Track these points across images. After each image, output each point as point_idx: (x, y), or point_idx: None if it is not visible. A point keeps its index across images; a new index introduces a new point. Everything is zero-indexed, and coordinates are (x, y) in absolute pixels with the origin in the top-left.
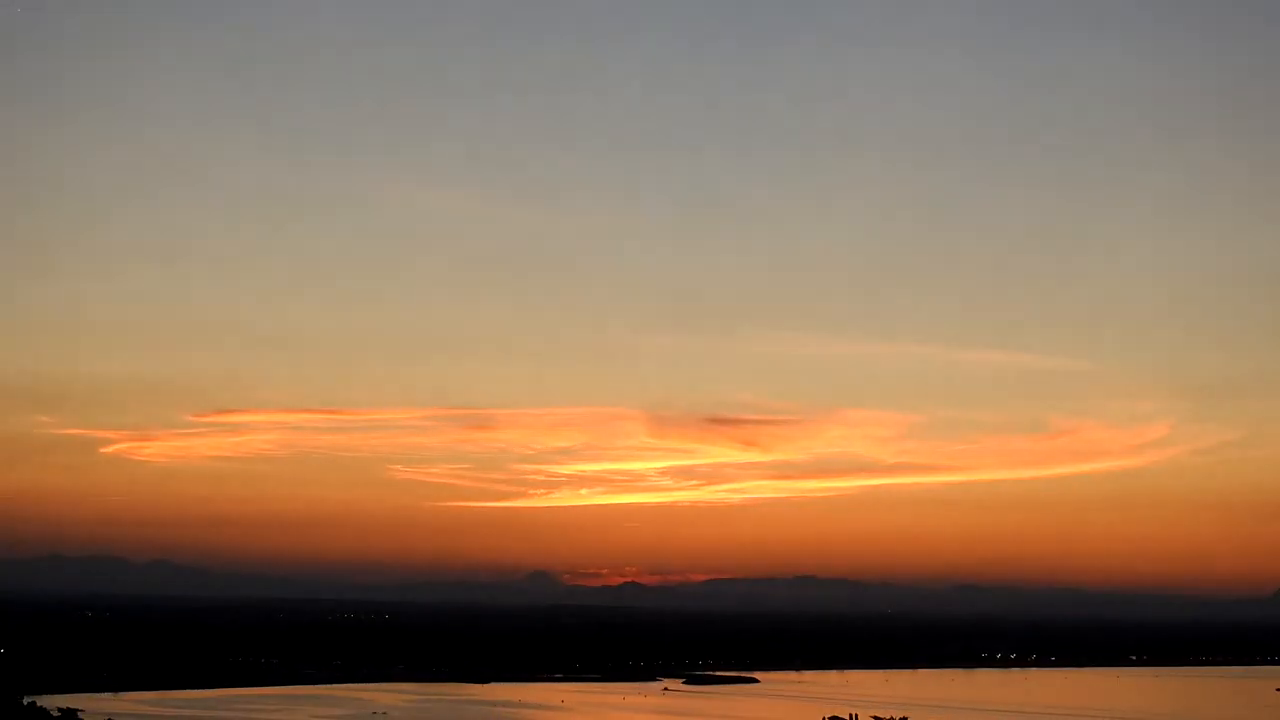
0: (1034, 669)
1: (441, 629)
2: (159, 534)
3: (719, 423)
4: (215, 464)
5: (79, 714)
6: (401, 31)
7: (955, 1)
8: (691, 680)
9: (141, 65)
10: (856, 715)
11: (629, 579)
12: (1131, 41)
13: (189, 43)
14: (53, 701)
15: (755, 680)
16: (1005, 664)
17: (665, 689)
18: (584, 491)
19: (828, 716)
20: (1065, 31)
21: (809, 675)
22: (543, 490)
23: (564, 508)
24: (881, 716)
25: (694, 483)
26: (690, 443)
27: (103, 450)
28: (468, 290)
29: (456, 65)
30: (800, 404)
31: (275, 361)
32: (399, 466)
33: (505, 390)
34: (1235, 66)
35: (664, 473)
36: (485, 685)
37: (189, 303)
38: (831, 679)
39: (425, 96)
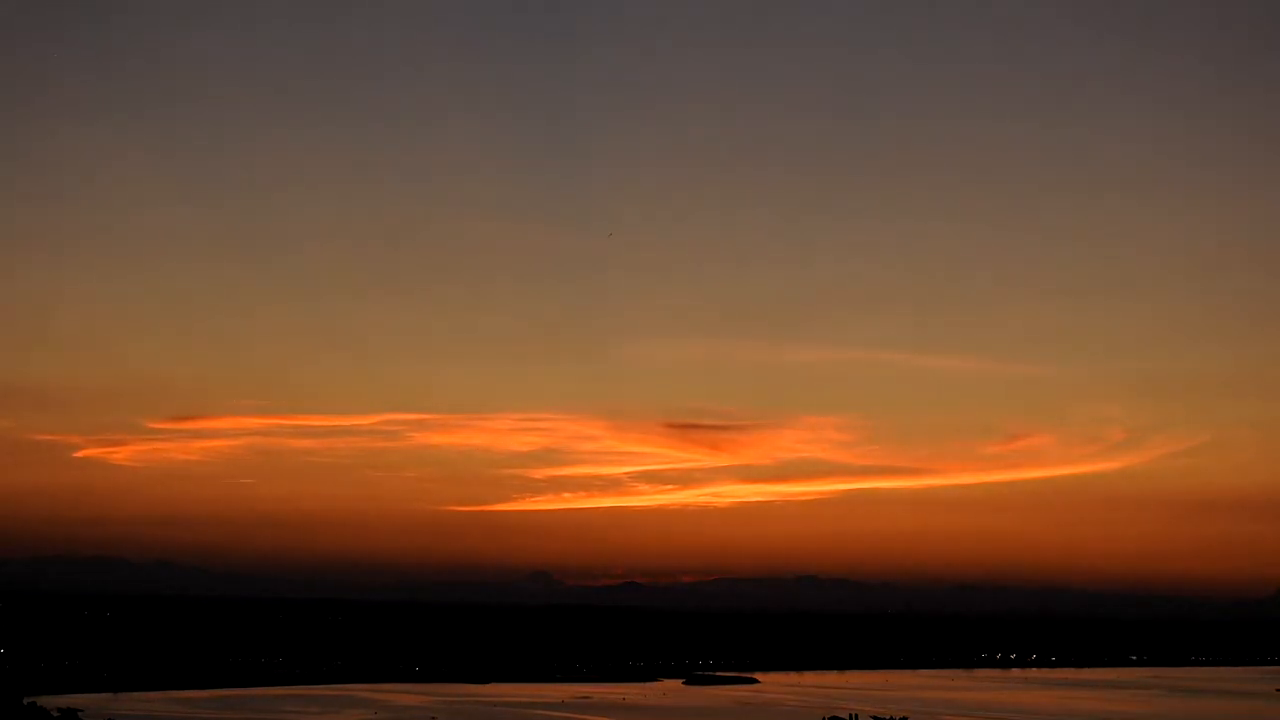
0: (1034, 669)
1: (441, 629)
2: (157, 535)
3: (679, 427)
4: (195, 467)
5: (79, 714)
6: (344, 36)
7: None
8: (692, 680)
9: (112, 62)
10: (857, 715)
11: (628, 579)
12: (1109, 40)
13: (148, 39)
14: (53, 701)
15: (755, 680)
16: (1005, 664)
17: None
18: (566, 495)
19: (828, 716)
20: (1050, 32)
21: (809, 675)
22: (526, 494)
23: (561, 510)
24: (881, 716)
25: (669, 486)
26: (655, 447)
27: (75, 455)
28: (426, 296)
29: (432, 75)
30: (758, 409)
31: (236, 368)
32: (375, 470)
33: (464, 395)
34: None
35: (635, 476)
36: (485, 685)
37: (146, 308)
38: (831, 679)
39: (397, 101)
